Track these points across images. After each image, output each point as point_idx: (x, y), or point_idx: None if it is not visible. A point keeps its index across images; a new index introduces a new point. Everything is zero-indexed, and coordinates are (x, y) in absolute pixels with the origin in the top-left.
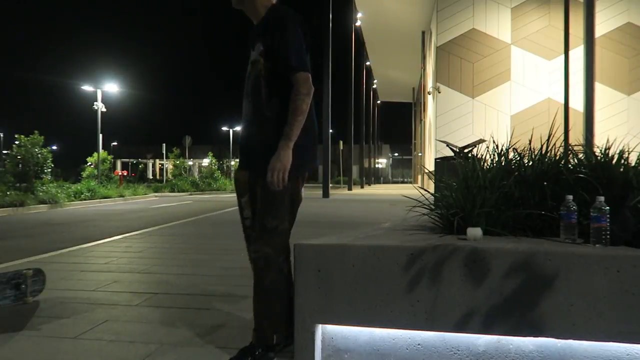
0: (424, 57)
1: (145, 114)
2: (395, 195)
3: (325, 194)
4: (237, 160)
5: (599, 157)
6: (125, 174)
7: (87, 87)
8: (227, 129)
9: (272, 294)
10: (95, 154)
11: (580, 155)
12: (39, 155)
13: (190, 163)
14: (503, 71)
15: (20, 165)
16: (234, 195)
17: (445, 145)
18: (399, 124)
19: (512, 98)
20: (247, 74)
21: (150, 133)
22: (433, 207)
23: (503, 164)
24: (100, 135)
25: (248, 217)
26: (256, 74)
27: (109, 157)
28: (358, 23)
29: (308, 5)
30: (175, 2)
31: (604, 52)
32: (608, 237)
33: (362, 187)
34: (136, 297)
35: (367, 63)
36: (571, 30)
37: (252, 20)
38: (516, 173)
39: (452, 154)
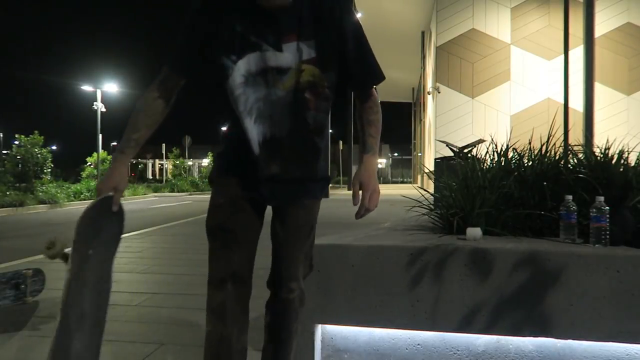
0: (423, 57)
1: None
2: (395, 195)
3: (325, 194)
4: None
5: (598, 157)
6: None
7: (86, 87)
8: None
9: (297, 333)
10: (94, 154)
11: (580, 155)
12: (39, 155)
13: (190, 163)
14: (503, 71)
15: (20, 166)
16: None
17: (445, 145)
18: (399, 124)
19: (512, 98)
20: (243, 82)
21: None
22: (433, 207)
23: (503, 164)
24: (100, 136)
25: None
26: (299, 88)
27: (109, 157)
28: None
29: None
30: (175, 1)
31: (604, 52)
32: (608, 237)
33: None
34: (136, 297)
35: None
36: (571, 30)
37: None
38: (516, 173)
39: (451, 154)
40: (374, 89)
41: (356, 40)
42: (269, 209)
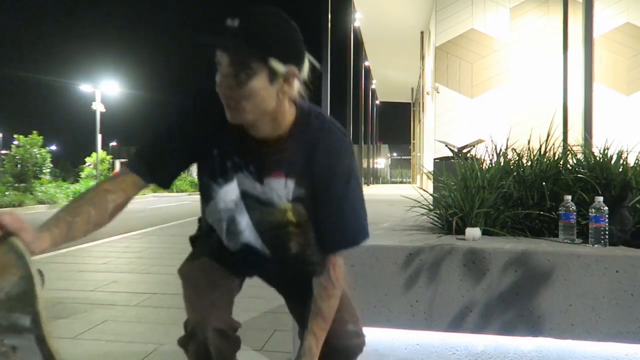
0: (422, 57)
1: (144, 114)
2: (394, 196)
3: None
4: None
5: (597, 157)
6: None
7: (86, 87)
8: None
9: None
10: (94, 154)
11: (579, 156)
12: (38, 155)
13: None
14: (502, 71)
15: (19, 166)
16: None
17: (444, 145)
18: (398, 124)
19: (511, 98)
20: (232, 201)
21: (149, 133)
22: (432, 207)
23: (502, 164)
24: (99, 136)
25: None
26: (283, 224)
27: (108, 157)
28: (357, 23)
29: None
30: (176, 1)
31: (603, 52)
32: (607, 237)
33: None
34: (135, 297)
35: (366, 63)
36: (570, 31)
37: (249, 128)
38: (515, 173)
39: (450, 154)
40: (336, 263)
41: (340, 205)
42: None
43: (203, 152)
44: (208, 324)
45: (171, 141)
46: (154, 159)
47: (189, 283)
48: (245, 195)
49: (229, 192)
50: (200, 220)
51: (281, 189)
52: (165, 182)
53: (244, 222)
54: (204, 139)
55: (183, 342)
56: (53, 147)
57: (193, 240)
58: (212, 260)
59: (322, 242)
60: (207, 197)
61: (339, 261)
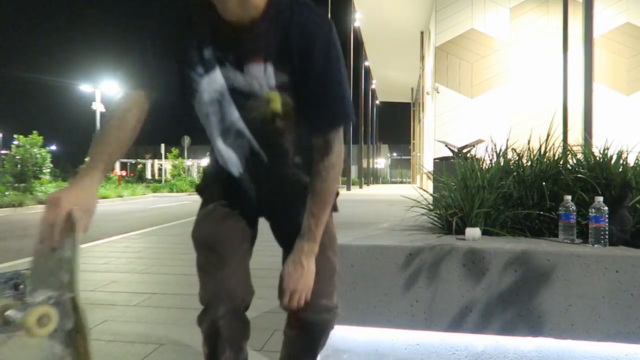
0: (422, 58)
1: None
2: (394, 196)
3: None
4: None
5: (597, 158)
6: (124, 174)
7: (86, 87)
8: None
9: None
10: None
11: (579, 156)
12: (38, 155)
13: (189, 163)
14: (502, 71)
15: (19, 166)
16: None
17: (444, 145)
18: (398, 124)
19: (511, 98)
20: (213, 99)
21: (149, 133)
22: (432, 207)
23: (502, 164)
24: None
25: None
26: (269, 117)
27: None
28: (357, 23)
29: None
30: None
31: (603, 52)
32: (607, 237)
33: (360, 187)
34: (135, 297)
35: (366, 63)
36: (570, 31)
37: (221, 10)
38: (515, 173)
39: (450, 154)
40: (334, 139)
41: (322, 80)
42: None
43: (183, 48)
44: (220, 302)
45: (154, 47)
46: (144, 70)
47: (201, 250)
48: (230, 90)
49: (212, 83)
50: (204, 169)
51: (261, 76)
52: (164, 88)
53: (235, 115)
54: (181, 36)
55: (199, 319)
56: (53, 147)
57: (200, 190)
58: (221, 206)
59: (313, 127)
60: (192, 91)
61: (333, 143)
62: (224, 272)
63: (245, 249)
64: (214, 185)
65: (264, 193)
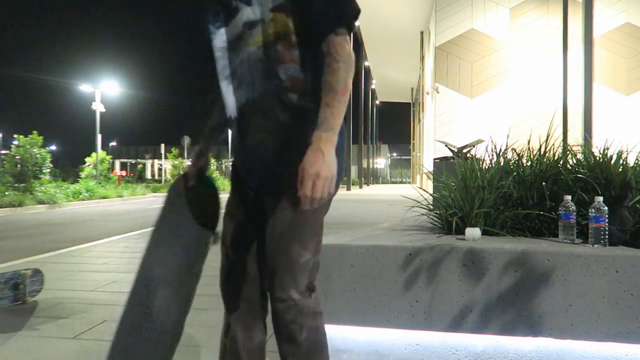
0: (422, 58)
1: (144, 114)
2: (394, 196)
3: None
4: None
5: (597, 158)
6: (124, 174)
7: (86, 87)
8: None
9: (314, 347)
10: (93, 154)
11: (579, 156)
12: (38, 155)
13: (189, 163)
14: (502, 71)
15: (18, 166)
16: None
17: (444, 145)
18: (398, 124)
19: (511, 98)
20: (225, 47)
21: (149, 133)
22: (432, 207)
23: (502, 164)
24: (99, 136)
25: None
26: (269, 42)
27: (108, 158)
28: (357, 23)
29: None
30: (175, 1)
31: (603, 52)
32: (607, 237)
33: (360, 187)
34: None
35: (366, 63)
36: (570, 31)
37: None
38: (515, 173)
39: (450, 154)
40: (335, 41)
41: None
42: None
43: None
44: (238, 320)
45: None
46: None
47: (222, 261)
48: (243, 30)
49: (227, 31)
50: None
51: (267, 2)
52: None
53: (239, 58)
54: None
55: (222, 333)
56: (53, 147)
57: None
58: (231, 200)
59: (317, 36)
60: (209, 45)
61: (339, 39)
62: (241, 290)
63: (259, 257)
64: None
65: (251, 141)
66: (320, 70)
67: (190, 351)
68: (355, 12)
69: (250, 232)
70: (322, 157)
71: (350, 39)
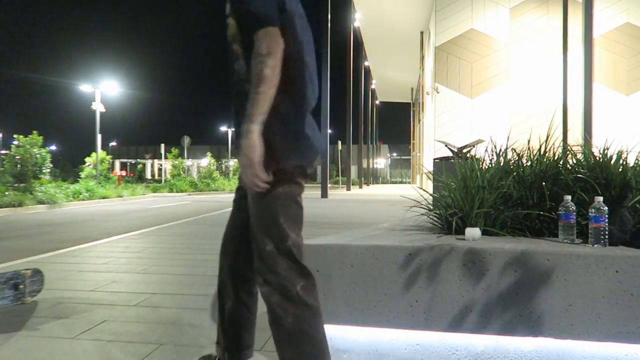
0: (422, 58)
1: (144, 114)
2: (394, 196)
3: (324, 194)
4: (237, 160)
5: (597, 158)
6: (124, 174)
7: (85, 87)
8: (226, 129)
9: (298, 336)
10: (93, 154)
11: (579, 156)
12: (38, 155)
13: (189, 163)
14: (502, 71)
15: (18, 166)
16: (233, 195)
17: (444, 145)
18: (398, 124)
19: (511, 98)
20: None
21: (149, 133)
22: (431, 207)
23: (501, 164)
24: (99, 136)
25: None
26: (229, 42)
27: (108, 158)
28: (357, 23)
29: (307, 5)
30: (175, 1)
31: (603, 52)
32: (607, 237)
33: (360, 187)
34: (135, 297)
35: (366, 63)
36: (570, 30)
37: None
38: (515, 173)
39: (450, 154)
40: (258, 36)
41: None
42: None
43: None
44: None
45: None
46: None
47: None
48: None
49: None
50: None
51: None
52: None
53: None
54: None
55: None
56: (53, 147)
57: None
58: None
59: (244, 30)
60: None
61: (258, 34)
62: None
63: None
64: None
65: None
66: None
67: (191, 351)
68: (265, 8)
69: (238, 220)
70: (242, 149)
71: (273, 32)
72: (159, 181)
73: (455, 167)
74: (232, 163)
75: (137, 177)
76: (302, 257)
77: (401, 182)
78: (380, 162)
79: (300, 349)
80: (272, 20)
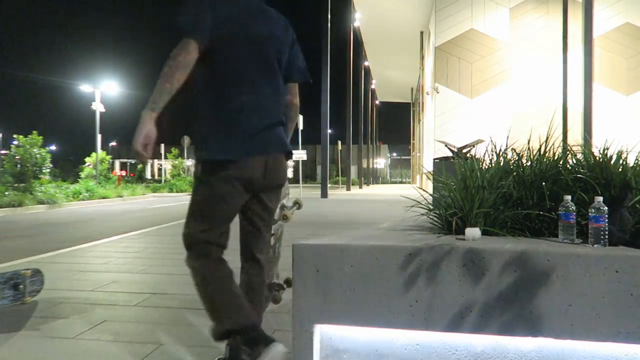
0: (422, 58)
1: None
2: (394, 196)
3: (324, 194)
4: None
5: (597, 158)
6: (123, 174)
7: (86, 87)
8: None
9: (198, 285)
10: (93, 154)
11: (579, 156)
12: (38, 155)
13: (189, 163)
14: (502, 71)
15: (18, 166)
16: None
17: (444, 145)
18: (398, 124)
19: (511, 98)
20: None
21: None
22: (431, 207)
23: (501, 164)
24: (99, 136)
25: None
26: None
27: (108, 158)
28: (357, 23)
29: (307, 5)
30: (175, 2)
31: (603, 52)
32: (607, 237)
33: (360, 187)
34: (135, 297)
35: (366, 63)
36: (570, 31)
37: None
38: (515, 173)
39: (450, 154)
40: (177, 47)
41: None
42: None
43: None
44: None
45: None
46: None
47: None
48: None
49: None
50: None
51: None
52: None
53: None
54: None
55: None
56: (53, 147)
57: None
58: None
59: None
60: None
61: (179, 45)
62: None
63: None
64: None
65: None
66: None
67: (191, 351)
68: (183, 24)
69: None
70: (138, 126)
71: (186, 42)
72: (159, 181)
73: (455, 167)
74: None
75: (137, 177)
76: (207, 251)
77: (401, 182)
78: (380, 162)
79: (209, 296)
80: (188, 32)
